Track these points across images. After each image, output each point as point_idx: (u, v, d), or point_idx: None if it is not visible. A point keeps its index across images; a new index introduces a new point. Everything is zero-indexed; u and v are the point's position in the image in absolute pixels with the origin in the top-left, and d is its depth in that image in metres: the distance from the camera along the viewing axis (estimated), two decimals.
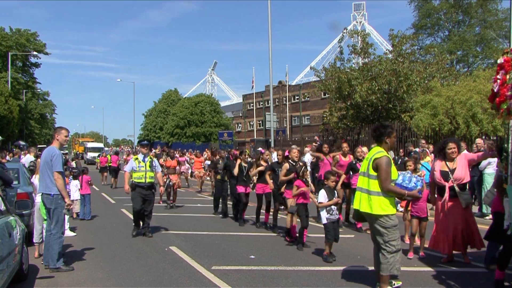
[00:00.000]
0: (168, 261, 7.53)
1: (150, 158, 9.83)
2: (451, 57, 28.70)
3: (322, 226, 7.78)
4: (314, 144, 20.83)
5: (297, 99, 56.89)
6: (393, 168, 5.51)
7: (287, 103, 57.15)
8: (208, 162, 21.48)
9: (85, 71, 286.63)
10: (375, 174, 5.47)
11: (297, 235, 8.64)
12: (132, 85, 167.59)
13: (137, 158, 9.75)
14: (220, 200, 13.13)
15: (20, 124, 50.57)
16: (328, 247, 7.45)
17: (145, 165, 9.59)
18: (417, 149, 14.36)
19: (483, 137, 15.61)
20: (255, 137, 50.92)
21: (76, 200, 12.10)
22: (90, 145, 59.37)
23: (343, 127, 24.84)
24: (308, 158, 15.41)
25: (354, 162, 10.35)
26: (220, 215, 12.73)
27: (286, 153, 10.33)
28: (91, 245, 8.89)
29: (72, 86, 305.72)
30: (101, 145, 63.33)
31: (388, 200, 5.46)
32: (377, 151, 5.56)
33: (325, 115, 29.02)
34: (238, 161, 11.48)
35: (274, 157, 19.12)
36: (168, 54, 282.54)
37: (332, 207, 7.52)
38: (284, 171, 9.10)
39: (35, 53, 56.71)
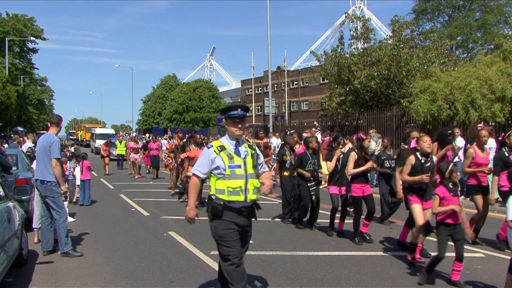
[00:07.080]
0: (167, 246, 7.57)
1: (248, 145, 4.52)
2: (450, 42, 28.56)
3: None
4: (313, 129, 20.83)
5: (295, 84, 56.69)
6: None
7: (286, 88, 56.95)
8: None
9: (84, 57, 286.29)
10: None
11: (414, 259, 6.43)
12: (130, 71, 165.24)
13: (223, 148, 4.34)
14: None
15: (18, 110, 50.41)
16: None
17: (245, 162, 4.34)
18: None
19: (482, 123, 15.63)
20: (253, 123, 50.89)
21: (77, 185, 12.29)
22: (98, 131, 47.87)
23: (342, 113, 24.81)
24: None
25: (505, 153, 7.20)
26: (300, 225, 9.19)
27: (414, 144, 7.35)
28: (90, 230, 8.95)
29: (70, 72, 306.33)
30: (112, 131, 52.69)
31: None
32: None
33: (324, 101, 28.93)
34: (338, 152, 8.45)
35: (274, 142, 19.09)
36: (166, 40, 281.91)
37: None
38: (408, 166, 6.39)
39: (32, 38, 56.34)
